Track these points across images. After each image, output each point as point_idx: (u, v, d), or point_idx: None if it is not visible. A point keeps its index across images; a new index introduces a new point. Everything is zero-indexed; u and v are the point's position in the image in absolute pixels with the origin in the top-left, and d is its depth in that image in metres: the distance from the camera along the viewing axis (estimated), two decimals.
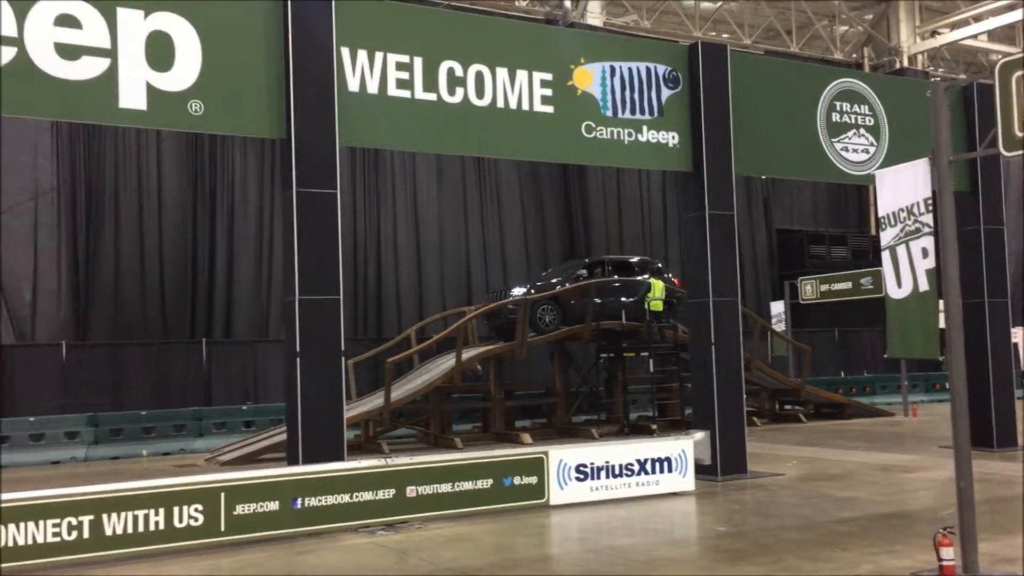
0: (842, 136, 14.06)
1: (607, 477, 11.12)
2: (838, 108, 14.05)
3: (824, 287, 23.88)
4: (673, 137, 12.89)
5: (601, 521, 10.06)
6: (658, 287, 19.06)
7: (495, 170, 24.49)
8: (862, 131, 14.25)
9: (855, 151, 14.15)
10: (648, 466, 11.38)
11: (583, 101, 12.29)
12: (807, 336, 25.23)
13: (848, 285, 23.26)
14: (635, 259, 20.67)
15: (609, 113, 12.47)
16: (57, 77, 9.34)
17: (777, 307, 25.20)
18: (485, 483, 10.39)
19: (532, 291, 18.95)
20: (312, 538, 9.19)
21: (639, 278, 19.56)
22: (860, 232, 30.30)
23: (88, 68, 9.49)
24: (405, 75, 11.19)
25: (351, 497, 9.60)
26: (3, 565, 7.95)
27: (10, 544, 8.06)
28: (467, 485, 10.27)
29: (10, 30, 9.15)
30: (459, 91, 11.49)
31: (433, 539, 9.19)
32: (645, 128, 12.71)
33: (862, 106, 14.28)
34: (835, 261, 27.90)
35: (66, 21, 9.43)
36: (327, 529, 9.38)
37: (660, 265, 20.77)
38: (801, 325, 25.80)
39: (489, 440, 17.75)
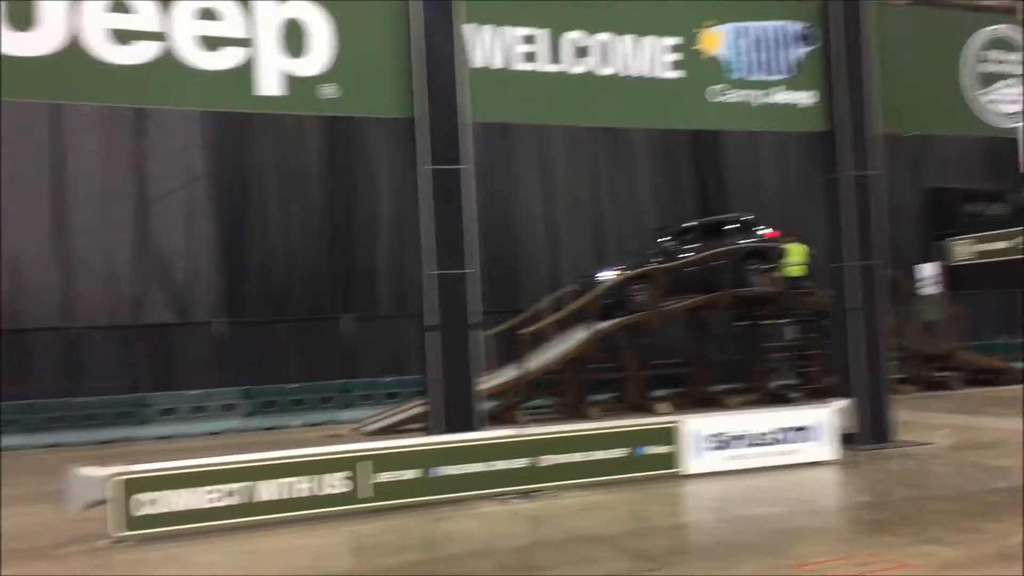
0: (992, 87, 13.25)
1: (744, 446, 10.96)
2: (987, 58, 13.24)
3: (979, 247, 22.64)
4: (808, 97, 12.46)
5: (737, 491, 9.94)
6: (796, 251, 18.52)
7: (627, 139, 24.26)
8: (1014, 81, 13.38)
9: (1006, 103, 13.32)
10: (787, 435, 11.14)
11: (711, 64, 12.03)
12: (962, 299, 24.00)
13: (1006, 244, 21.97)
14: (729, 217, 19.95)
15: (739, 75, 12.16)
16: (199, 68, 9.83)
17: (929, 269, 24.06)
18: (618, 452, 10.42)
19: (626, 270, 18.60)
20: (448, 505, 9.47)
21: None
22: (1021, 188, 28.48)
23: (228, 58, 9.95)
24: (530, 48, 11.23)
25: (486, 466, 9.83)
26: (167, 528, 8.54)
27: (173, 509, 8.65)
28: (600, 454, 10.34)
29: (156, 26, 9.68)
30: (585, 61, 11.44)
31: (567, 507, 9.31)
32: (777, 89, 12.34)
33: (1014, 55, 13.41)
34: (991, 220, 26.35)
35: (207, 14, 9.90)
36: (463, 497, 9.64)
37: (753, 217, 20.11)
38: (956, 287, 24.54)
39: (625, 410, 17.75)
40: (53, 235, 19.33)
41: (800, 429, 11.18)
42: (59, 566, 7.82)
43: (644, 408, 17.49)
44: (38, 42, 9.24)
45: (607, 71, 11.53)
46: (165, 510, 8.64)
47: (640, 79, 11.66)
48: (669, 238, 19.39)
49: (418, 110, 10.57)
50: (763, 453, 10.99)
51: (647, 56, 11.70)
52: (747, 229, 19.29)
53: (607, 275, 18.73)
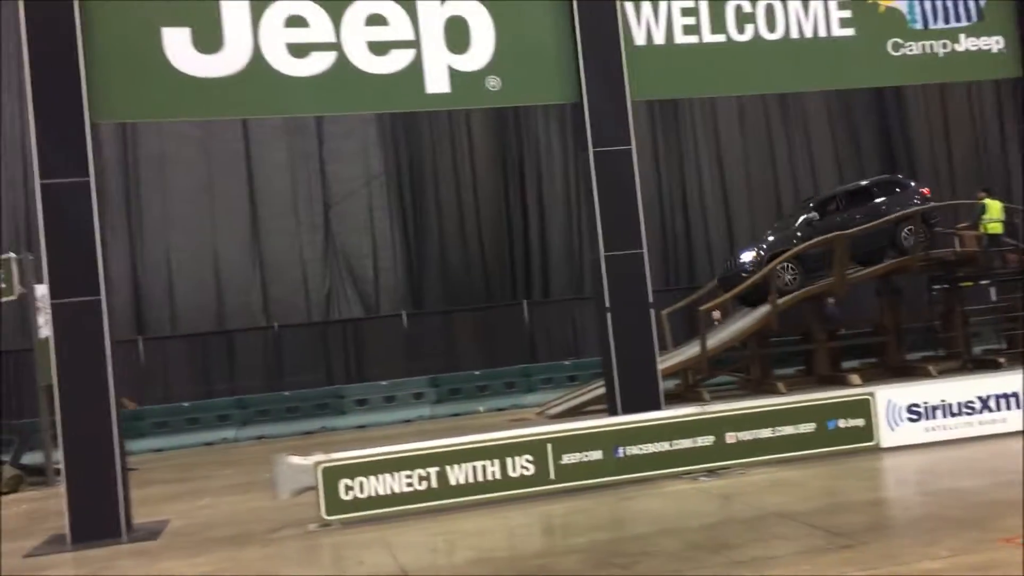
0: None
1: (944, 416, 10.41)
2: None
3: None
4: (997, 42, 11.64)
5: (938, 462, 9.47)
6: (994, 207, 17.33)
7: (800, 104, 23.39)
8: None
9: None
10: (992, 403, 10.50)
11: (888, 17, 11.45)
12: None
13: None
14: (869, 181, 18.52)
15: (919, 25, 11.51)
16: (372, 73, 10.26)
17: None
18: (808, 427, 10.13)
19: (762, 252, 17.73)
20: (635, 485, 9.50)
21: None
22: None
23: (397, 60, 10.33)
24: (691, 20, 11.05)
25: (670, 445, 9.79)
26: (368, 512, 9.02)
27: (374, 493, 9.11)
28: (788, 430, 10.09)
29: (330, 36, 10.17)
30: (749, 28, 11.15)
31: (756, 484, 9.16)
32: (962, 36, 11.59)
33: None
34: None
35: (375, 20, 10.31)
36: (648, 476, 9.65)
37: (901, 177, 18.73)
38: None
39: (813, 383, 17.18)
40: (251, 241, 20.66)
41: (1006, 396, 10.51)
42: (273, 549, 8.40)
43: (834, 380, 16.87)
44: (225, 64, 9.90)
45: (774, 36, 11.18)
46: (366, 495, 9.11)
47: (811, 40, 11.24)
48: (813, 211, 18.14)
49: (583, 94, 10.61)
50: (965, 423, 10.41)
51: (816, 16, 11.26)
52: (900, 189, 18.11)
53: (747, 256, 17.97)
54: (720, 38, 11.05)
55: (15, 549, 9.41)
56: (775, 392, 16.20)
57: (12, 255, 14.35)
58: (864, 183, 18.57)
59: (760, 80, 11.63)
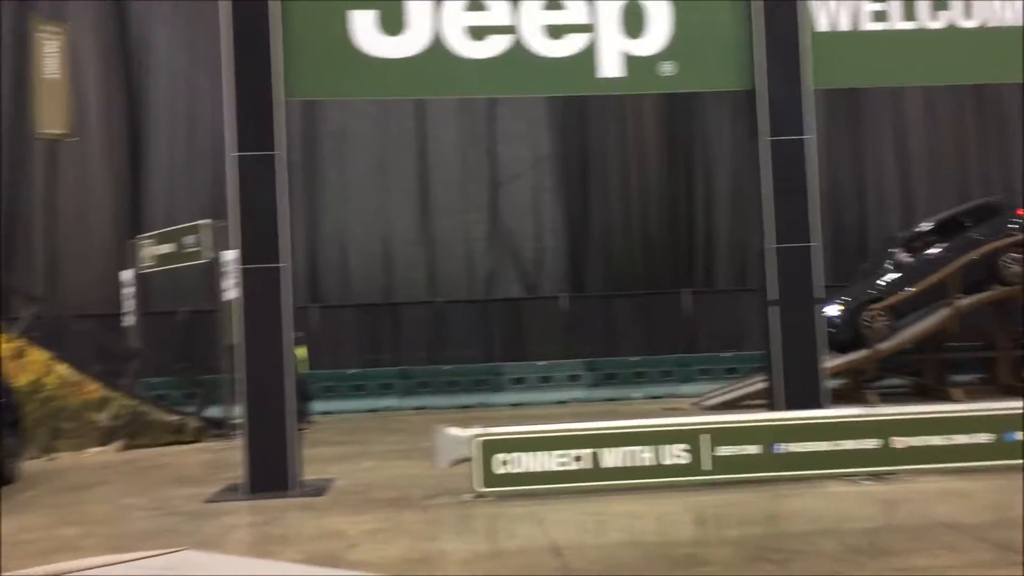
0: None
1: None
2: None
3: None
4: None
5: None
6: None
7: (997, 93, 21.95)
8: None
9: None
10: None
11: None
12: None
13: None
14: (959, 210, 17.12)
15: None
16: (546, 56, 10.38)
17: None
18: (983, 437, 9.61)
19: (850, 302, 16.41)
20: (792, 483, 9.28)
21: None
22: None
23: (572, 45, 10.41)
24: (881, 6, 10.60)
25: (833, 444, 9.50)
26: (521, 488, 9.21)
27: (527, 470, 9.30)
28: (961, 439, 9.60)
29: (507, 20, 10.36)
30: (943, 15, 10.59)
31: (923, 492, 8.78)
32: None
33: None
34: None
35: (553, 4, 10.42)
36: (808, 475, 9.40)
37: (994, 199, 17.26)
38: None
39: (994, 393, 16.21)
40: (420, 218, 21.31)
41: None
42: (431, 514, 8.73)
43: (1019, 391, 15.86)
44: (407, 45, 10.26)
45: (971, 23, 10.58)
46: (520, 470, 9.30)
47: (1012, 29, 10.57)
48: (902, 252, 16.75)
49: (758, 81, 10.39)
50: None
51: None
52: (994, 213, 16.65)
53: (832, 310, 16.09)
54: (911, 25, 10.56)
55: (196, 494, 10.16)
56: (949, 399, 15.42)
57: (208, 221, 15.36)
58: (953, 211, 17.29)
59: (954, 70, 11.04)
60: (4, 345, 13.95)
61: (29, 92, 17.31)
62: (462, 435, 9.48)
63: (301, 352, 16.75)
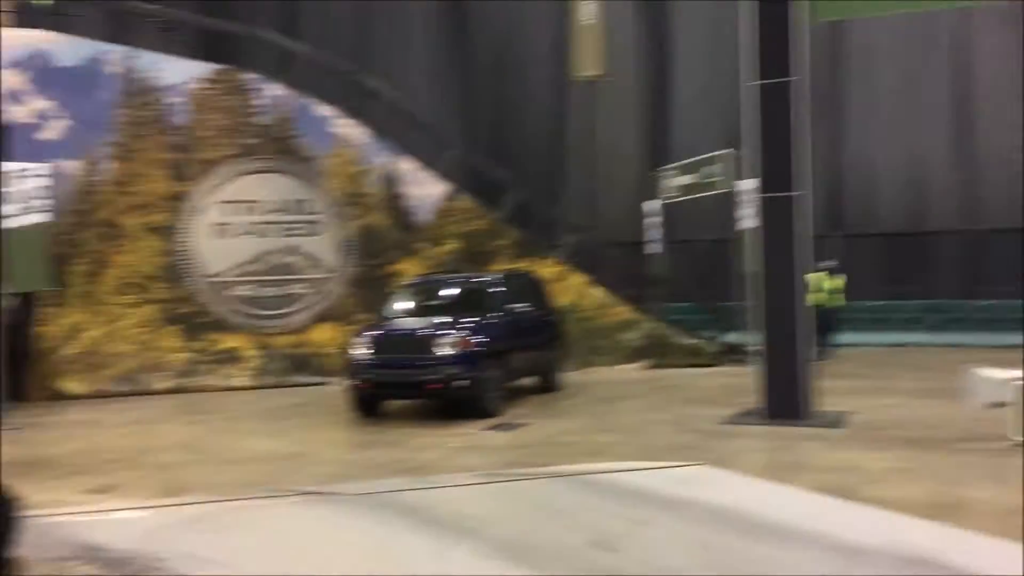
0: None
1: None
2: None
3: None
4: None
5: None
6: None
7: None
8: None
9: None
10: None
11: None
12: None
13: None
14: None
15: None
16: None
17: None
18: None
19: None
20: None
21: None
22: None
23: None
24: None
25: None
26: None
27: None
28: None
29: None
30: None
31: None
32: None
33: None
34: None
35: None
36: None
37: None
38: None
39: None
40: (957, 138, 19.44)
41: None
42: (959, 458, 8.13)
43: None
44: None
45: None
46: None
47: None
48: None
49: None
50: None
51: None
52: None
53: None
54: None
55: (713, 415, 10.62)
56: None
57: (729, 151, 15.63)
58: None
59: None
60: (550, 269, 15.73)
61: (569, 38, 19.01)
62: (999, 377, 8.63)
63: (836, 283, 16.43)
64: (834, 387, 11.57)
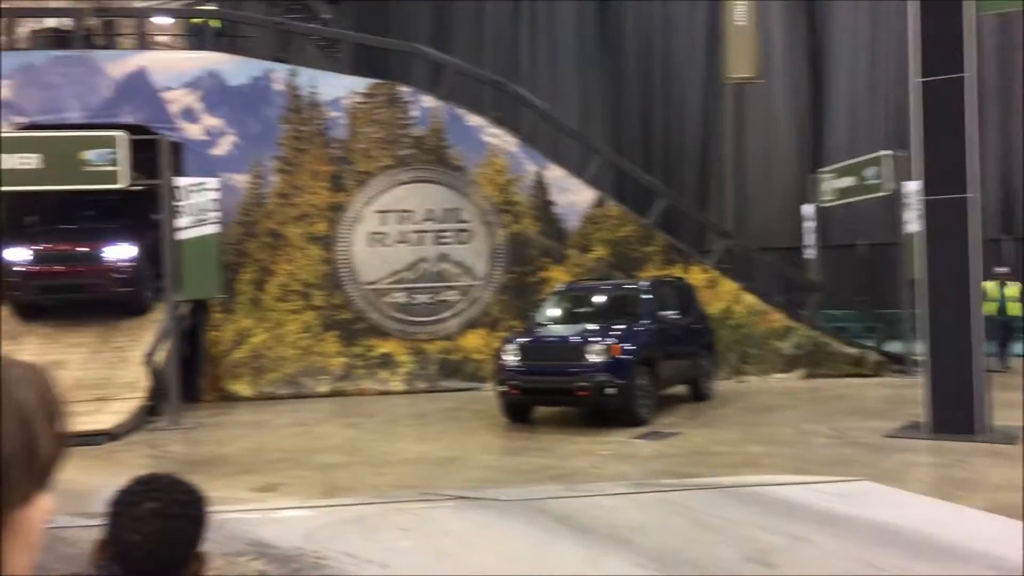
0: None
1: None
2: None
3: None
4: None
5: None
6: None
7: None
8: None
9: None
10: None
11: None
12: None
13: None
14: None
15: None
16: None
17: None
18: None
19: None
20: None
21: None
22: None
23: None
24: None
25: None
26: None
27: None
28: None
29: None
30: None
31: None
32: None
33: None
34: None
35: None
36: None
37: None
38: None
39: None
40: None
41: None
42: None
43: None
44: None
45: None
46: None
47: None
48: None
49: None
50: None
51: None
52: None
53: None
54: None
55: (875, 427, 10.18)
56: None
57: (889, 152, 14.99)
58: None
59: None
60: (700, 276, 15.47)
61: (721, 40, 18.68)
62: None
63: (1011, 290, 15.51)
64: (1010, 400, 10.88)
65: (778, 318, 15.68)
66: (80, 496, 8.06)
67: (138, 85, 15.11)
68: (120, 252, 13.69)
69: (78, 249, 13.68)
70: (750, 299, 15.75)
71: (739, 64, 18.03)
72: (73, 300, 13.68)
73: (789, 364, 15.38)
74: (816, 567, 5.34)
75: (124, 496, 2.02)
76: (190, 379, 13.74)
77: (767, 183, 20.81)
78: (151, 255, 13.19)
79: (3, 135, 12.62)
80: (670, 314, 12.48)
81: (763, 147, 21.19)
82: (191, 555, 2.02)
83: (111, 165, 11.77)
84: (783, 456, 9.12)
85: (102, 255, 13.62)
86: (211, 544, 2.02)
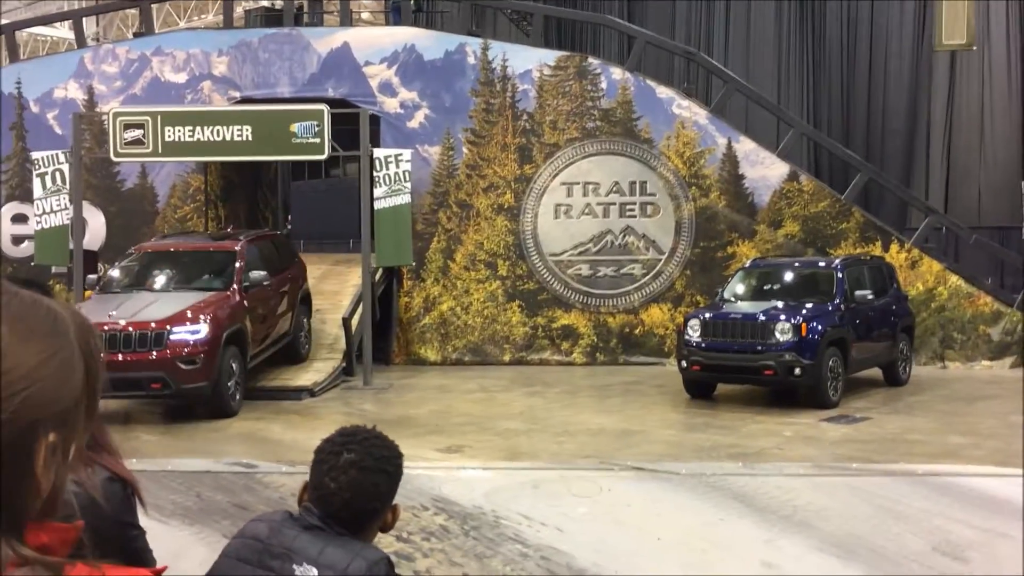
0: None
1: None
2: None
3: None
4: None
5: None
6: None
7: None
8: None
9: None
10: None
11: None
12: None
13: None
14: None
15: None
16: None
17: None
18: None
19: None
20: None
21: None
22: None
23: None
24: None
25: None
26: None
27: None
28: None
29: None
30: None
31: None
32: None
33: None
34: None
35: None
36: None
37: None
38: None
39: None
40: None
41: None
42: None
43: None
44: None
45: None
46: None
47: None
48: None
49: None
50: None
51: None
52: None
53: None
54: None
55: None
56: None
57: None
58: None
59: None
60: (900, 255, 14.66)
61: (931, 5, 17.51)
62: None
63: None
64: None
65: (987, 302, 14.66)
66: (281, 446, 8.65)
67: (342, 60, 15.83)
68: None
69: None
70: (956, 281, 14.80)
71: (952, 30, 16.84)
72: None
73: (998, 351, 14.37)
74: (1014, 565, 5.02)
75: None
76: (382, 342, 14.38)
77: (980, 157, 19.41)
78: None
79: (219, 109, 13.54)
80: (864, 294, 11.92)
81: (976, 120, 19.76)
82: (384, 507, 2.15)
83: (315, 137, 12.42)
84: (987, 448, 8.56)
85: None
86: (398, 498, 2.15)
